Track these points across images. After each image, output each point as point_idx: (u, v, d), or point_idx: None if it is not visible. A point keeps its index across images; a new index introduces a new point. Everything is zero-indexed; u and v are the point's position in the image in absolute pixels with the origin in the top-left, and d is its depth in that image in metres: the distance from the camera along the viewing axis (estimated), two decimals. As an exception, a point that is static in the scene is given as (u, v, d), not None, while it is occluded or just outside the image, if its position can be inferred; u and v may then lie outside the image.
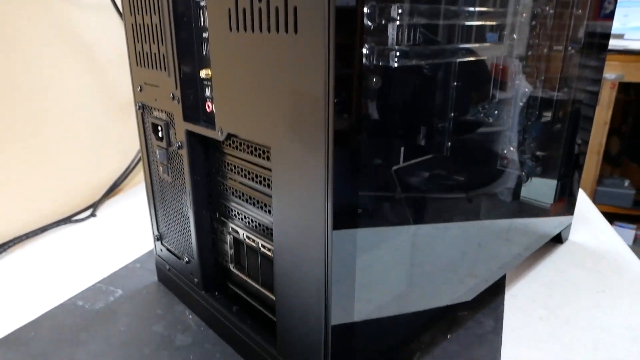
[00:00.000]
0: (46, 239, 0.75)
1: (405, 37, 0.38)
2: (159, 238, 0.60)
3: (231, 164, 0.47)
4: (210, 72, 0.44)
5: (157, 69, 0.49)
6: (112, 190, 0.90)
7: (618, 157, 2.45)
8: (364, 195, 0.37)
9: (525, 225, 0.66)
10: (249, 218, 0.47)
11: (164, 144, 0.52)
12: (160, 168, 0.54)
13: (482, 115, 0.80)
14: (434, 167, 0.48)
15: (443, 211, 0.50)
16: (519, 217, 0.66)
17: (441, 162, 0.48)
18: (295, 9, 0.32)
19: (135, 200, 0.89)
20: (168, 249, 0.59)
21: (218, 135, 0.43)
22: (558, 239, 0.74)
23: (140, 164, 0.94)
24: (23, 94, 0.72)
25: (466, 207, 0.54)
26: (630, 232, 2.25)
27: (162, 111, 0.51)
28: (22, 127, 0.73)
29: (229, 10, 0.37)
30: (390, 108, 0.39)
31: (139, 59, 0.52)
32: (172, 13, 0.45)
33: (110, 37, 0.85)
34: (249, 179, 0.45)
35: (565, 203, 0.74)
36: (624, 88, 2.18)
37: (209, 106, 0.47)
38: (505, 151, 0.73)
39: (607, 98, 2.04)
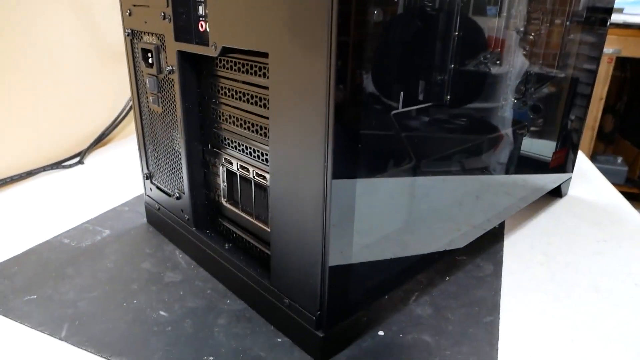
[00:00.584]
0: (32, 183, 0.73)
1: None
2: (149, 176, 0.58)
3: (225, 87, 0.45)
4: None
5: (147, -15, 0.46)
6: (101, 139, 0.87)
7: (611, 134, 2.45)
8: (365, 117, 0.35)
9: (524, 178, 0.65)
10: (243, 145, 0.45)
11: (154, 70, 0.49)
12: (150, 98, 0.51)
13: (483, 64, 0.78)
14: (433, 115, 0.45)
15: (442, 161, 0.48)
16: (519, 171, 0.64)
17: (441, 110, 0.46)
18: None
19: (124, 149, 0.86)
20: (158, 187, 0.56)
21: (212, 51, 0.41)
22: (557, 193, 0.72)
23: (131, 115, 0.91)
24: (5, 40, 0.69)
25: (465, 158, 0.52)
26: (622, 209, 2.26)
27: (152, 34, 0.48)
28: (6, 73, 0.69)
29: None
30: (392, 44, 0.36)
31: (128, -21, 0.48)
32: None
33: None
34: (244, 101, 0.43)
35: (565, 156, 0.73)
36: (620, 65, 2.17)
37: (202, 25, 0.44)
38: (505, 102, 0.71)
39: (603, 72, 2.02)
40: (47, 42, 0.75)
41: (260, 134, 0.42)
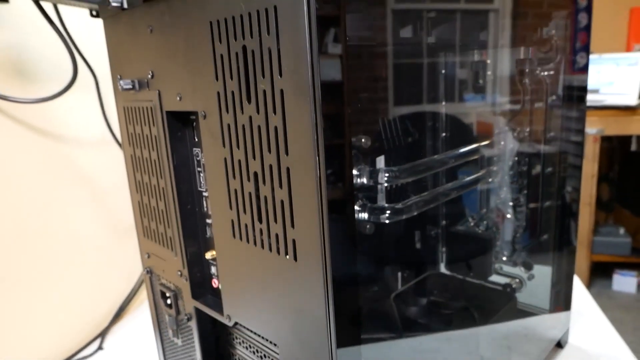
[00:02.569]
0: (55, 381, 0.76)
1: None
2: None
3: (239, 338, 0.49)
4: (215, 253, 0.47)
5: (164, 246, 0.52)
6: (119, 314, 0.91)
7: (609, 203, 2.50)
8: None
9: (524, 334, 0.68)
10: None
11: (172, 312, 0.54)
12: (170, 331, 0.56)
13: (472, 225, 0.84)
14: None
15: (440, 327, 0.52)
16: (516, 327, 0.68)
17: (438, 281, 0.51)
18: (294, 241, 0.35)
19: (142, 321, 0.90)
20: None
21: (227, 321, 0.46)
22: (558, 344, 0.75)
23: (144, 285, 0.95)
24: (28, 237, 0.75)
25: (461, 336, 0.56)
26: (632, 280, 2.26)
27: (170, 281, 0.54)
28: (28, 269, 0.75)
29: (232, 222, 0.41)
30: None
31: (147, 233, 0.55)
32: (177, 200, 0.48)
33: (109, 168, 0.89)
34: (258, 357, 0.47)
35: (561, 308, 0.76)
36: (607, 138, 2.25)
37: (215, 282, 0.50)
38: (496, 260, 0.76)
39: (591, 152, 2.10)
40: (65, 236, 0.82)
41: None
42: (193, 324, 0.51)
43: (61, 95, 0.68)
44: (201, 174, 0.47)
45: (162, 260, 0.53)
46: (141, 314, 0.95)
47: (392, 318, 0.62)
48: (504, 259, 0.78)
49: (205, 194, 0.47)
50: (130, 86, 0.48)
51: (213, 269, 0.49)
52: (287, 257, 0.36)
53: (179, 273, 0.50)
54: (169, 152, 0.46)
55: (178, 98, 0.43)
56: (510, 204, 0.76)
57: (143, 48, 0.46)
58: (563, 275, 0.76)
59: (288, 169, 0.34)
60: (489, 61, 0.64)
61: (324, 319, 0.34)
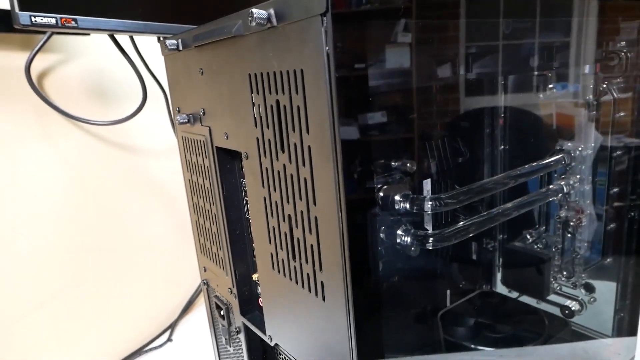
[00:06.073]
0: (131, 367, 0.85)
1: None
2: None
3: (282, 355, 0.53)
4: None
5: (217, 265, 0.56)
6: (187, 309, 1.00)
7: None
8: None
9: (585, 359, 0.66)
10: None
11: (225, 323, 0.59)
12: (223, 339, 0.61)
13: (531, 242, 0.81)
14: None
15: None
16: (575, 349, 0.66)
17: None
18: (322, 283, 0.37)
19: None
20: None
21: (268, 340, 0.49)
22: (621, 371, 0.72)
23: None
24: (109, 241, 0.84)
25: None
26: None
27: (223, 295, 0.58)
28: (109, 269, 0.85)
29: (271, 254, 0.44)
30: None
31: (203, 250, 0.60)
32: (227, 225, 0.52)
33: (179, 175, 0.97)
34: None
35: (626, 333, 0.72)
36: None
37: (260, 301, 0.53)
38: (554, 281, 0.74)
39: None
40: (137, 236, 0.90)
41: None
42: (242, 337, 0.55)
43: (133, 117, 0.75)
44: (248, 202, 0.51)
45: (216, 275, 0.58)
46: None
47: (437, 338, 0.63)
48: (563, 279, 0.75)
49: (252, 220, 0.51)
50: (186, 120, 0.52)
51: (259, 288, 0.53)
52: (317, 297, 0.38)
53: (229, 290, 0.55)
54: (219, 182, 0.50)
55: (225, 137, 0.46)
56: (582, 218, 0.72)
57: (196, 87, 0.50)
58: (629, 295, 0.72)
59: (316, 218, 0.36)
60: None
61: (348, 357, 0.36)
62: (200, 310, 1.03)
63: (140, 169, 0.90)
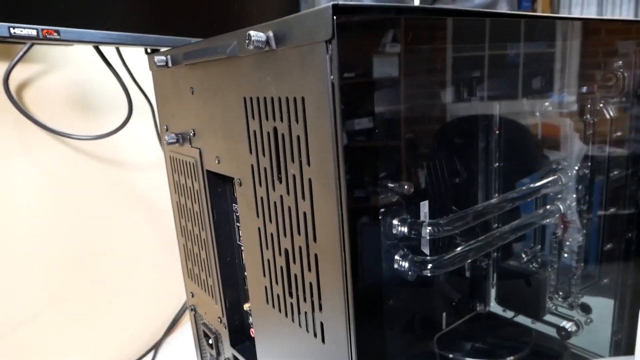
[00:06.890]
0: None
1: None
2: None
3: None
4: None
5: (205, 292, 0.53)
6: (172, 327, 0.96)
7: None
8: None
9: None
10: None
11: (214, 352, 0.56)
12: (212, 368, 0.58)
13: (526, 261, 0.79)
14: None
15: None
16: None
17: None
18: (322, 324, 0.35)
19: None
20: None
21: (260, 375, 0.47)
22: (619, 397, 0.70)
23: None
24: (94, 256, 0.80)
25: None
26: None
27: (211, 324, 0.55)
28: (93, 284, 0.81)
29: (265, 288, 0.41)
30: None
31: (191, 275, 0.57)
32: (217, 252, 0.49)
33: (166, 189, 0.93)
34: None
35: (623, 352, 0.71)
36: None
37: (252, 332, 0.51)
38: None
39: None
40: (124, 253, 0.87)
41: None
42: (232, 369, 0.53)
43: (118, 132, 0.72)
44: (241, 230, 0.48)
45: (204, 302, 0.55)
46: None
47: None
48: (560, 299, 0.73)
49: (243, 247, 0.48)
50: (174, 140, 0.49)
51: (251, 319, 0.50)
52: (316, 338, 0.36)
53: (219, 319, 0.52)
54: (209, 207, 0.47)
55: (217, 161, 0.44)
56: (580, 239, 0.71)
57: (186, 106, 0.47)
58: (627, 315, 0.71)
59: (316, 255, 0.33)
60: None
61: (349, 406, 0.34)
62: (186, 330, 0.99)
63: (125, 182, 0.86)
